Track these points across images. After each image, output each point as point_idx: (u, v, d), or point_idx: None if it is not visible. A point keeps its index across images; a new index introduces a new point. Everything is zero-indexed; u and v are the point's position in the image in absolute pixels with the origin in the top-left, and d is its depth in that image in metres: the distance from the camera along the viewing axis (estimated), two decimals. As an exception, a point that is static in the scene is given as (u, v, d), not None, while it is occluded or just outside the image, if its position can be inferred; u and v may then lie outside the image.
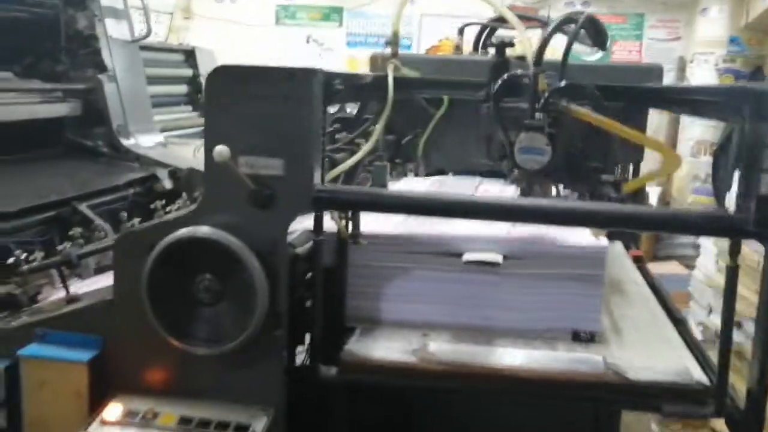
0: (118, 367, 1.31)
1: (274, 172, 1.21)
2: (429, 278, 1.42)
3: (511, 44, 1.73)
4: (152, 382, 1.31)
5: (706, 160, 4.77)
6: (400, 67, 1.83)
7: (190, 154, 3.71)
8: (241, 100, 1.20)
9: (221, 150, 1.17)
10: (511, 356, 1.31)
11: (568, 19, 1.63)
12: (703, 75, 4.93)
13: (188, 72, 5.13)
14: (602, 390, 1.25)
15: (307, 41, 6.64)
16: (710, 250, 3.30)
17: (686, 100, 1.56)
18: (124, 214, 1.98)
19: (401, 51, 1.99)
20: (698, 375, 1.25)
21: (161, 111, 4.24)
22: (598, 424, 1.45)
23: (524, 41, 1.63)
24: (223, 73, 1.22)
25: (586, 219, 1.18)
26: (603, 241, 1.38)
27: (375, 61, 2.25)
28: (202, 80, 5.13)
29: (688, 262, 4.27)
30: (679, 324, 1.55)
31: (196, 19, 6.85)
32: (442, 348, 1.34)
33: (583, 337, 1.37)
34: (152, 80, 3.66)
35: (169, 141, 3.34)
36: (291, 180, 1.21)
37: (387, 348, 1.35)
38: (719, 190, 4.58)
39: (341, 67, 6.43)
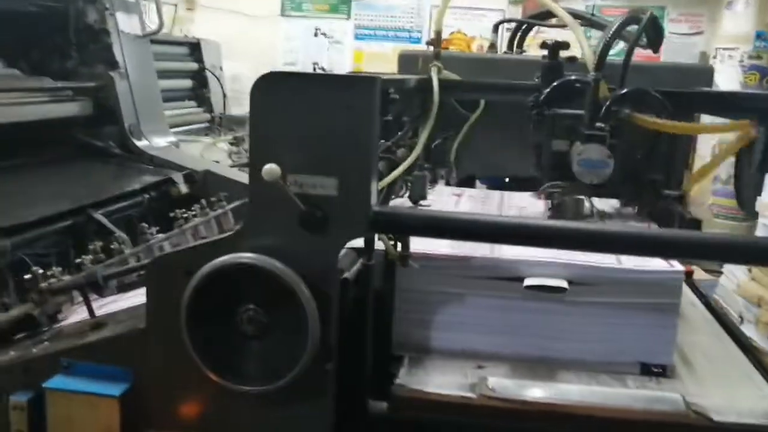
0: (151, 403, 1.19)
1: (327, 192, 1.09)
2: (485, 305, 1.31)
3: (567, 46, 1.61)
4: (187, 419, 1.19)
5: (728, 161, 4.65)
6: (442, 69, 1.71)
7: (198, 154, 3.61)
8: (292, 110, 1.08)
9: (271, 169, 1.05)
10: (580, 393, 1.20)
11: (631, 19, 1.52)
12: (726, 71, 4.80)
13: (193, 65, 5.00)
14: (684, 433, 1.14)
15: (315, 34, 6.50)
16: (739, 256, 3.19)
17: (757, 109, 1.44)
18: (144, 225, 1.86)
19: (412, 45, 1.88)
20: (789, 417, 1.14)
21: (165, 107, 4.13)
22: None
23: (582, 42, 1.51)
24: (272, 79, 1.09)
25: (671, 249, 1.06)
26: (678, 265, 1.27)
27: (405, 60, 2.14)
28: (208, 74, 5.04)
29: (708, 267, 4.15)
30: (749, 351, 1.44)
31: (199, 10, 6.71)
32: (502, 383, 1.22)
33: (655, 372, 1.26)
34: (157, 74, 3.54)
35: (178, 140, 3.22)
36: (346, 201, 1.09)
37: (441, 382, 1.24)
38: (741, 192, 4.48)
39: (348, 60, 6.31)
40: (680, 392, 1.20)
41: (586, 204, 1.52)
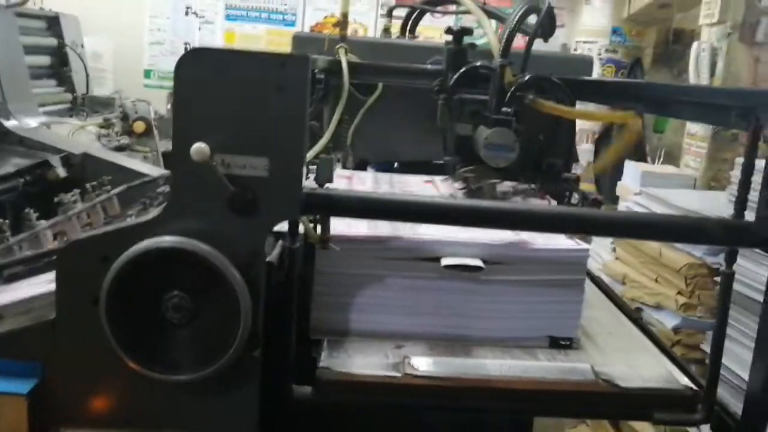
0: (64, 399, 1.12)
1: (257, 173, 1.07)
2: (403, 285, 1.33)
3: (471, 32, 1.65)
4: (103, 414, 1.13)
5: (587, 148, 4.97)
6: (348, 51, 1.71)
7: (67, 135, 3.40)
8: (220, 89, 1.05)
9: (200, 148, 1.02)
10: (499, 367, 1.25)
11: (531, 9, 1.58)
12: (586, 64, 5.09)
13: (51, 41, 4.69)
14: (596, 400, 1.21)
15: (186, 13, 6.26)
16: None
17: (679, 101, 1.53)
18: (31, 210, 1.73)
19: (286, 28, 1.87)
20: (684, 380, 1.24)
21: (23, 84, 3.83)
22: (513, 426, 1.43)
23: (488, 29, 1.56)
24: (198, 56, 1.05)
25: (590, 227, 1.13)
26: (582, 243, 1.34)
27: (300, 42, 2.12)
28: (68, 50, 4.74)
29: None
30: (637, 323, 1.55)
31: (53, -18, 6.27)
32: (424, 361, 1.25)
33: (563, 344, 1.33)
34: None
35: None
36: (277, 182, 1.07)
37: (364, 363, 1.24)
38: (600, 178, 4.79)
39: (219, 42, 6.13)
40: (587, 362, 1.27)
41: (499, 187, 1.58)
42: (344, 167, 2.17)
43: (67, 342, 1.12)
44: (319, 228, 1.27)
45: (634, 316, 1.59)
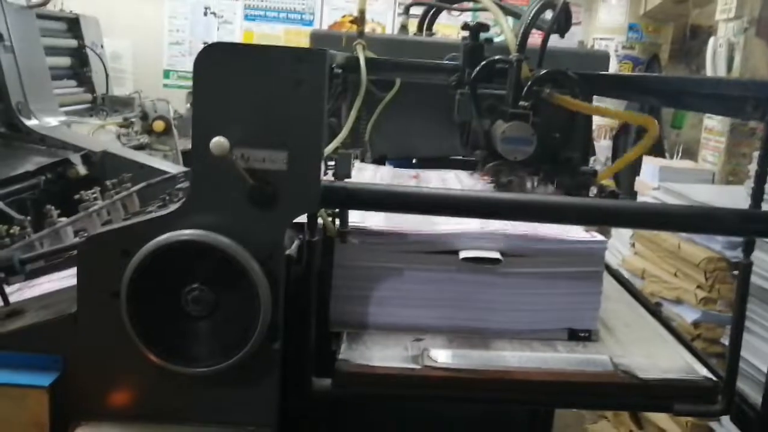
0: (85, 391, 1.14)
1: (276, 166, 1.08)
2: (422, 278, 1.33)
3: (487, 28, 1.66)
4: (123, 406, 1.15)
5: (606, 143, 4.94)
6: (366, 47, 1.72)
7: (87, 134, 3.43)
8: (239, 84, 1.06)
9: (220, 142, 1.03)
10: (518, 359, 1.25)
11: (546, 5, 1.58)
12: (603, 60, 5.06)
13: (72, 42, 4.74)
14: (615, 391, 1.21)
15: (205, 13, 6.29)
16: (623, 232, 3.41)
17: (694, 94, 1.52)
18: (51, 207, 1.75)
19: (304, 27, 1.88)
20: (704, 371, 1.24)
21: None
22: (534, 420, 1.43)
23: (504, 25, 1.56)
24: (217, 51, 1.06)
25: (605, 217, 1.13)
26: (598, 236, 1.34)
27: (317, 39, 2.13)
28: (88, 51, 4.78)
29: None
30: (656, 315, 1.55)
31: (73, -17, 6.33)
32: (443, 353, 1.25)
33: (582, 336, 1.33)
34: (41, 51, 3.32)
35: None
36: (296, 175, 1.08)
37: (383, 355, 1.25)
38: (619, 173, 4.76)
39: (238, 41, 6.16)
40: (606, 354, 1.27)
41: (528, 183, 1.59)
42: (362, 162, 2.18)
43: (88, 335, 1.13)
44: (338, 221, 1.28)
45: (653, 309, 1.58)
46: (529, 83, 1.50)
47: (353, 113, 1.49)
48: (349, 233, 1.29)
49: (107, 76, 4.74)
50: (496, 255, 1.30)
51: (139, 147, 3.62)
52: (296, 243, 1.28)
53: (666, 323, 1.49)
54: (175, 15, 6.34)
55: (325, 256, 1.32)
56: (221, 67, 1.06)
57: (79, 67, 4.67)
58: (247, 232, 1.08)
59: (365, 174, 1.83)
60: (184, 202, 1.11)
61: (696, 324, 2.73)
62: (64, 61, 4.61)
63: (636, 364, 1.24)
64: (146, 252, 1.07)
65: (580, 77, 1.60)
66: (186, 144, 4.15)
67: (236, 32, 6.29)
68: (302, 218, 1.17)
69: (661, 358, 1.27)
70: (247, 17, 6.35)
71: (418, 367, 1.21)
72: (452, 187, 1.77)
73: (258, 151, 1.07)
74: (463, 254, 1.31)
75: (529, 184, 1.59)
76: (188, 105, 4.87)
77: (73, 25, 4.70)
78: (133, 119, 4.02)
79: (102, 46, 4.88)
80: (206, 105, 1.08)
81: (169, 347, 1.10)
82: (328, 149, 1.35)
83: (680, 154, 5.01)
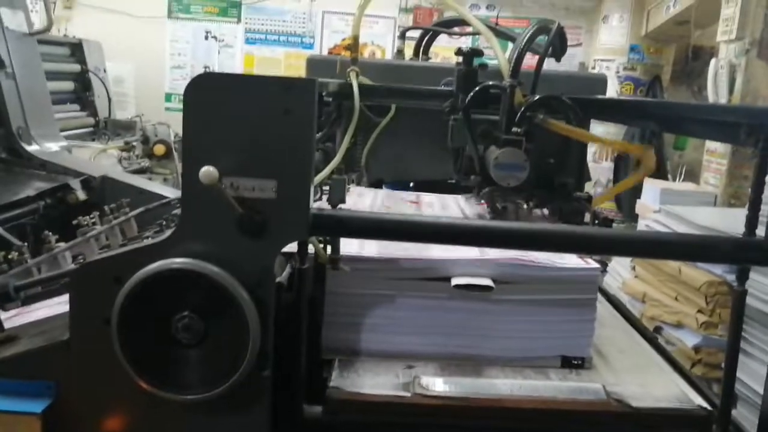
0: (76, 418, 1.14)
1: (265, 195, 1.08)
2: (414, 305, 1.33)
3: (481, 53, 1.67)
4: (115, 433, 1.15)
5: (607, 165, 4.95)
6: (359, 74, 1.73)
7: (88, 159, 3.46)
8: (228, 113, 1.07)
9: (209, 171, 1.03)
10: (510, 387, 1.24)
11: (542, 29, 1.59)
12: (604, 82, 5.08)
13: (75, 67, 4.78)
14: (607, 420, 1.20)
15: (206, 37, 6.35)
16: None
17: (691, 120, 1.52)
18: (48, 233, 1.76)
19: (304, 50, 1.90)
20: (698, 400, 1.23)
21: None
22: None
23: (497, 50, 1.57)
24: (207, 81, 1.08)
25: (599, 246, 1.13)
26: (592, 262, 1.34)
27: (313, 65, 2.15)
28: (91, 76, 4.82)
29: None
30: (652, 342, 1.54)
31: (78, 8, 6.42)
32: (435, 381, 1.25)
33: (575, 364, 1.33)
34: (43, 76, 3.35)
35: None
36: (285, 203, 1.08)
37: (374, 383, 1.25)
38: (620, 196, 4.76)
39: (239, 64, 6.21)
40: (599, 382, 1.27)
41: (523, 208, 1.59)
42: (358, 186, 2.19)
43: (81, 362, 1.13)
44: (329, 248, 1.29)
45: (649, 335, 1.58)
46: (523, 109, 1.51)
47: (346, 139, 1.49)
48: (340, 260, 1.29)
49: (110, 100, 4.78)
50: (488, 282, 1.30)
51: (140, 171, 3.64)
52: (288, 270, 1.29)
53: (662, 349, 1.49)
54: (176, 39, 6.40)
55: (317, 283, 1.32)
56: (211, 97, 1.07)
57: (82, 91, 4.72)
58: (236, 260, 1.09)
59: (365, 199, 1.84)
60: (175, 231, 1.12)
61: (697, 349, 2.71)
62: (68, 85, 4.65)
63: (629, 393, 1.23)
64: (137, 280, 1.07)
65: (576, 102, 1.61)
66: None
67: (237, 56, 6.34)
68: (294, 246, 1.18)
69: (655, 386, 1.27)
70: (247, 41, 6.40)
71: (409, 394, 1.21)
72: (452, 212, 1.77)
73: (247, 180, 1.08)
74: (455, 281, 1.31)
75: (525, 210, 1.59)
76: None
77: (76, 49, 4.76)
78: (134, 143, 4.04)
79: (105, 70, 4.93)
80: (196, 134, 1.08)
81: (160, 375, 1.10)
82: (322, 175, 1.36)
83: (683, 176, 5.00)
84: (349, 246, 1.32)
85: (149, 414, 1.13)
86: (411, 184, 2.65)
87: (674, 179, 4.98)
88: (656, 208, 3.45)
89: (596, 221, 1.45)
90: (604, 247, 1.15)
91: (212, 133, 1.08)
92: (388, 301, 1.33)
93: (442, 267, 1.32)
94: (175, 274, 1.07)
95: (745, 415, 1.38)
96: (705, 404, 1.21)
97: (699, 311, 2.73)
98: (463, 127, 1.57)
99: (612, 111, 1.64)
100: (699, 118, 1.39)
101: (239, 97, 1.07)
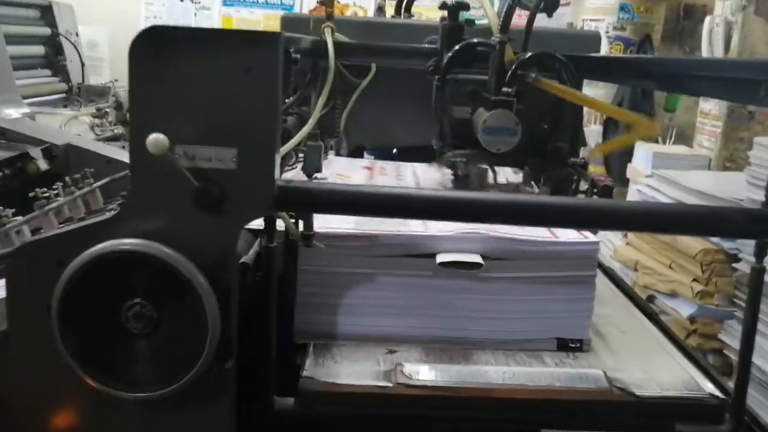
0: (15, 417, 1.02)
1: (224, 165, 0.95)
2: (395, 284, 1.21)
3: (467, 7, 1.52)
4: (62, 433, 1.03)
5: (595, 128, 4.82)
6: (335, 31, 1.58)
7: (58, 127, 3.29)
8: (181, 71, 0.93)
9: (158, 139, 0.90)
10: (502, 375, 1.13)
11: (533, -18, 1.45)
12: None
13: (45, 30, 4.56)
14: (609, 410, 1.10)
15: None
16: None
17: (697, 77, 1.39)
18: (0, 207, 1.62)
19: (281, 12, 1.76)
20: (709, 386, 1.12)
21: (15, 75, 3.71)
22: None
23: (485, 3, 1.43)
24: (155, 35, 0.93)
25: (597, 220, 1.00)
26: (591, 236, 1.22)
27: (288, 23, 1.99)
28: (62, 40, 4.61)
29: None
30: (654, 319, 1.43)
31: (47, -30, 6.14)
32: (418, 368, 1.14)
33: (572, 347, 1.22)
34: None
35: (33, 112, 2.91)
36: (246, 175, 0.95)
37: (352, 371, 1.13)
38: (609, 160, 4.64)
39: (216, 27, 5.99)
40: (599, 367, 1.16)
41: (489, 174, 1.46)
42: (338, 154, 2.06)
43: (21, 355, 1.01)
44: (301, 223, 1.16)
45: (651, 311, 1.47)
46: (514, 67, 1.38)
47: (321, 101, 1.36)
48: (314, 236, 1.17)
49: (83, 64, 4.57)
50: (477, 258, 1.18)
51: (113, 138, 3.47)
52: (255, 248, 1.16)
53: (665, 328, 1.38)
54: (151, 1, 6.16)
55: (288, 262, 1.20)
56: (160, 53, 0.93)
57: (53, 55, 4.51)
58: (193, 240, 0.96)
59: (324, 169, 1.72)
60: (123, 208, 0.99)
61: (692, 319, 2.62)
62: (37, 49, 4.44)
63: (632, 379, 1.12)
64: (79, 264, 0.94)
65: (570, 60, 1.48)
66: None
67: (214, 18, 6.11)
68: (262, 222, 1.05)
69: (661, 371, 1.16)
70: (225, 3, 6.17)
71: (390, 384, 1.09)
72: (407, 179, 1.64)
73: (203, 149, 0.94)
74: (440, 258, 1.19)
75: (490, 178, 1.46)
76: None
77: (46, 12, 4.53)
78: (107, 109, 3.86)
79: (77, 34, 4.72)
80: (144, 97, 0.95)
81: (108, 370, 0.97)
82: (292, 142, 1.23)
83: (673, 139, 4.89)
84: (325, 220, 1.20)
85: (98, 413, 1.01)
86: (394, 151, 2.53)
87: (664, 142, 4.86)
88: (648, 173, 3.34)
89: (595, 190, 1.32)
90: (597, 221, 1.02)
91: (162, 95, 0.94)
92: (366, 280, 1.21)
93: (425, 243, 1.20)
94: (123, 256, 0.94)
95: (757, 398, 1.28)
96: (717, 391, 1.11)
97: (694, 280, 2.63)
98: (446, 88, 1.44)
99: (609, 69, 1.50)
100: (707, 75, 1.26)
101: (193, 53, 0.93)
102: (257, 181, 0.96)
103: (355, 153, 2.15)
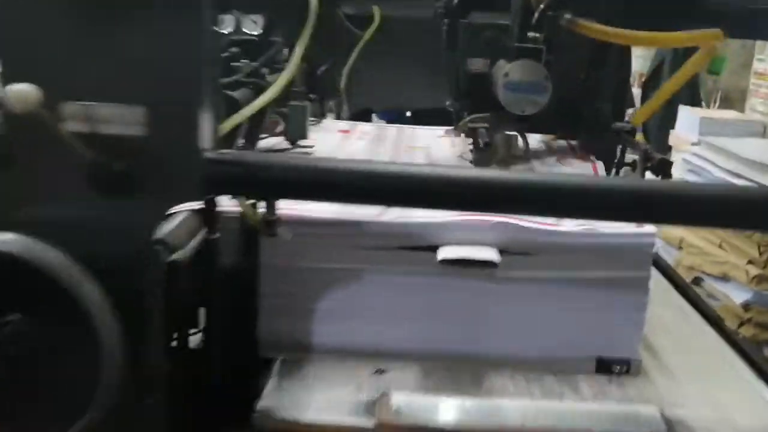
0: None
1: (129, 130, 0.67)
2: (385, 284, 0.93)
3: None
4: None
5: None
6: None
7: None
8: (66, 6, 0.65)
9: (23, 92, 0.62)
10: (521, 413, 0.84)
11: None
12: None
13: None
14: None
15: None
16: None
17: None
18: None
19: None
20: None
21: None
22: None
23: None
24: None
25: (657, 211, 0.70)
26: (647, 226, 0.92)
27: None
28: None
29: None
30: (718, 325, 1.14)
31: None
32: (410, 400, 0.86)
33: (616, 370, 0.93)
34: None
35: None
36: (162, 144, 0.67)
37: (324, 400, 0.86)
38: (648, 125, 4.28)
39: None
40: (653, 399, 0.87)
41: (519, 142, 1.16)
42: (338, 118, 1.77)
43: None
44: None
45: (712, 314, 1.17)
46: (542, 6, 1.08)
47: (298, 49, 1.07)
48: (278, 222, 0.89)
49: None
50: (491, 255, 0.89)
51: None
52: (198, 239, 0.89)
53: (735, 341, 1.08)
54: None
55: (246, 256, 0.92)
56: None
57: None
58: (86, 235, 0.68)
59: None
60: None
61: (746, 306, 2.31)
62: None
63: (698, 421, 0.83)
64: (-72, 268, 0.68)
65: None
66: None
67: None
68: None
69: (737, 409, 0.87)
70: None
71: (370, 427, 0.82)
72: (384, 148, 1.34)
73: (100, 107, 0.66)
74: (442, 253, 0.90)
75: (520, 146, 1.16)
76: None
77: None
78: None
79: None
80: (15, 38, 0.67)
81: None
82: (258, 103, 0.94)
83: (718, 103, 4.52)
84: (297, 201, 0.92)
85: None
86: (408, 114, 2.23)
87: (707, 107, 4.49)
88: (695, 140, 3.00)
89: (648, 163, 1.02)
90: (663, 213, 0.72)
91: (41, 34, 0.66)
92: (349, 278, 0.93)
93: (425, 231, 0.91)
94: (-12, 258, 0.67)
95: None
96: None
97: (750, 262, 2.31)
98: (455, 33, 1.14)
99: (672, 8, 1.18)
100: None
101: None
102: (178, 153, 0.68)
103: (360, 117, 1.86)
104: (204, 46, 0.68)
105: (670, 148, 3.40)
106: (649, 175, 1.02)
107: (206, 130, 0.69)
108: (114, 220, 0.69)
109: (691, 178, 2.77)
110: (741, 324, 2.30)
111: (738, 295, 2.33)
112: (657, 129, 4.05)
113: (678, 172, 2.90)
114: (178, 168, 0.68)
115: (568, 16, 1.09)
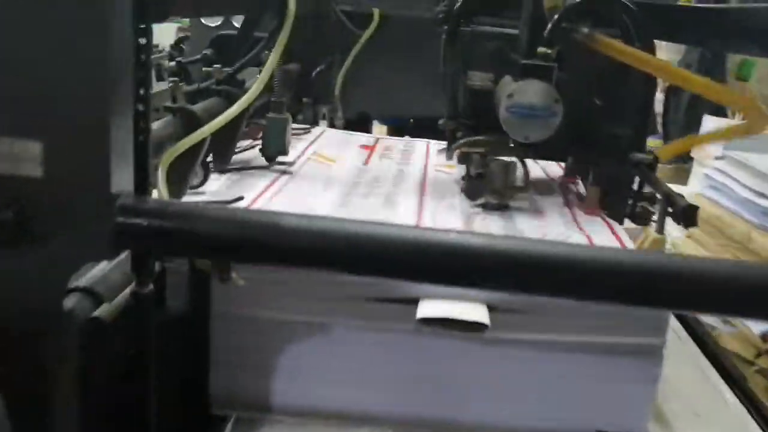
0: None
1: (22, 170, 0.54)
2: (356, 341, 0.80)
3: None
4: None
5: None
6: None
7: None
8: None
9: None
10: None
11: None
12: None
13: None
14: None
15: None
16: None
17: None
18: None
19: None
20: None
21: None
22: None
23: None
24: None
25: (669, 294, 0.56)
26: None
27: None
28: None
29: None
30: (740, 387, 1.00)
31: None
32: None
33: (622, 449, 0.79)
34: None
35: None
36: (62, 187, 0.54)
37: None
38: (669, 135, 4.11)
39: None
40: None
41: (519, 171, 1.02)
42: (331, 125, 1.64)
43: None
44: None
45: (735, 373, 1.03)
46: (556, 17, 0.93)
47: (275, 53, 0.94)
48: (231, 267, 0.75)
49: None
50: (479, 316, 0.76)
51: None
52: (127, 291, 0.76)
53: (758, 407, 0.94)
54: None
55: (197, 303, 0.79)
56: None
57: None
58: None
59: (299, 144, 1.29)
60: None
61: (765, 336, 2.16)
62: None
63: None
64: None
65: (640, 8, 1.01)
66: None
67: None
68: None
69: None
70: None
71: None
72: (414, 167, 1.19)
73: (-14, 139, 0.53)
74: (422, 310, 0.76)
75: (518, 174, 1.02)
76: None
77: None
78: None
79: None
80: None
81: None
82: (233, 109, 0.81)
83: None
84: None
85: None
86: (411, 121, 2.09)
87: (733, 116, 4.30)
88: (719, 153, 2.83)
89: (670, 209, 0.88)
90: (674, 297, 0.57)
91: None
92: (313, 332, 0.80)
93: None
94: None
95: None
96: None
97: (772, 290, 2.16)
98: (458, 43, 1.00)
99: (699, 25, 1.03)
100: None
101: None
102: (84, 196, 0.55)
103: (357, 124, 1.72)
104: (123, 61, 0.54)
105: (691, 159, 3.24)
106: (670, 222, 0.88)
107: (122, 169, 0.56)
108: (6, 278, 0.56)
109: (713, 195, 2.61)
110: (758, 355, 2.14)
111: (757, 326, 2.17)
112: (679, 137, 3.87)
113: (699, 188, 2.75)
114: (83, 216, 0.55)
115: (585, 29, 0.95)
